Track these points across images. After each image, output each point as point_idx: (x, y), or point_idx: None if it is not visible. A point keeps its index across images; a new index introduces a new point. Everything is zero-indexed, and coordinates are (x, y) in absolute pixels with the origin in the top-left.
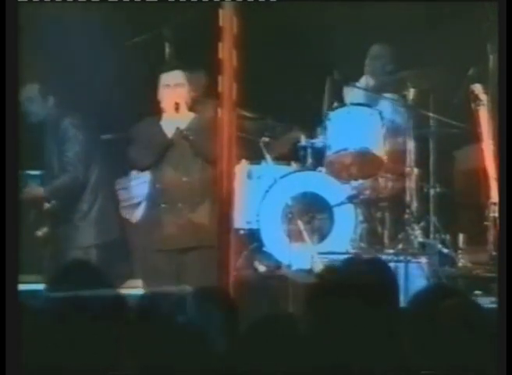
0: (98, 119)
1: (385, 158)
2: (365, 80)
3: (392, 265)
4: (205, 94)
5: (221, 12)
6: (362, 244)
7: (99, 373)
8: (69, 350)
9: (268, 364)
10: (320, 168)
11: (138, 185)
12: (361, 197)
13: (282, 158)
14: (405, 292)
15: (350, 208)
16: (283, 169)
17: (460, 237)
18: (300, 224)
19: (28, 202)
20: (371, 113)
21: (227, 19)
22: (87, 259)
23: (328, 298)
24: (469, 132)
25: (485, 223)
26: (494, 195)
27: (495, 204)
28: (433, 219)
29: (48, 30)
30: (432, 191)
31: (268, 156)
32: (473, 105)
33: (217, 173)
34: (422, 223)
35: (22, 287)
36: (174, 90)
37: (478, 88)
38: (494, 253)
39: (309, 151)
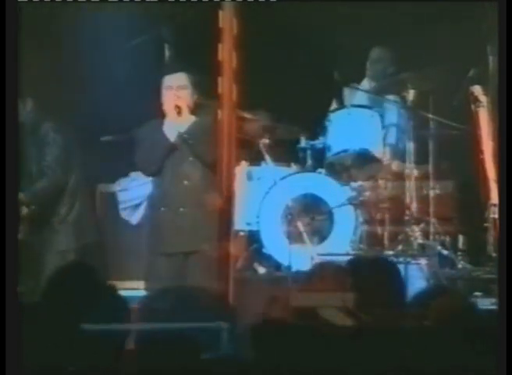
0: (80, 123)
1: (385, 159)
2: (366, 82)
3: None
4: (208, 97)
5: (221, 13)
6: (362, 246)
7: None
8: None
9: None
10: (320, 169)
11: (137, 187)
12: (361, 198)
13: (282, 160)
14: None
15: (349, 209)
16: (283, 170)
17: (460, 238)
18: (300, 226)
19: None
20: (371, 115)
21: (227, 20)
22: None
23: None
24: (469, 133)
25: (485, 224)
26: (494, 197)
27: (495, 205)
28: (433, 220)
29: (39, 30)
30: (431, 193)
31: (268, 158)
32: (473, 107)
33: (217, 174)
34: (422, 225)
35: None
36: (177, 92)
37: (477, 90)
38: (494, 254)
39: (309, 152)
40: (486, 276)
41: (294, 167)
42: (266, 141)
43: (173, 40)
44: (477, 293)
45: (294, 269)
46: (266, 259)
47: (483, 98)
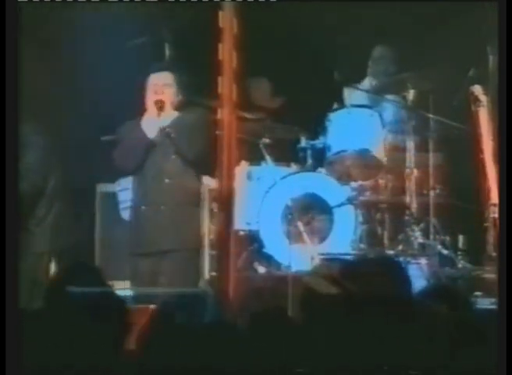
0: (62, 124)
1: (385, 159)
2: (367, 82)
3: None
4: (191, 97)
5: (221, 13)
6: (362, 246)
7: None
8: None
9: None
10: (320, 169)
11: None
12: (361, 198)
13: (282, 160)
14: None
15: (349, 209)
16: (283, 170)
17: (460, 238)
18: (300, 225)
19: None
20: (371, 114)
21: (227, 19)
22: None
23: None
24: (469, 133)
25: (485, 224)
26: (494, 196)
27: (495, 205)
28: (433, 220)
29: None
30: (431, 193)
31: (268, 157)
32: (473, 107)
33: (217, 174)
34: (422, 225)
35: None
36: (161, 90)
37: (477, 89)
38: (494, 254)
39: (309, 152)
40: (486, 276)
41: (294, 167)
42: (266, 140)
43: (173, 40)
44: (477, 293)
45: (294, 268)
46: (266, 259)
47: (483, 98)
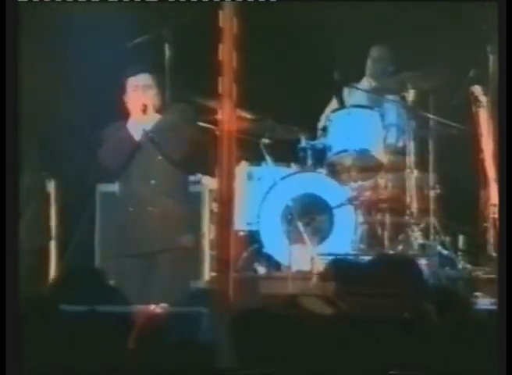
0: (62, 124)
1: (385, 159)
2: (366, 82)
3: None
4: (171, 97)
5: (221, 12)
6: (362, 246)
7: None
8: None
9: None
10: (320, 169)
11: None
12: (361, 198)
13: (283, 160)
14: None
15: (350, 209)
16: (283, 170)
17: (460, 238)
18: (300, 226)
19: None
20: (371, 115)
21: (227, 19)
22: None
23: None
24: (469, 133)
25: (485, 224)
26: (494, 196)
27: (495, 205)
28: (433, 220)
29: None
30: (432, 193)
31: (268, 158)
32: (473, 107)
33: (217, 174)
34: (422, 225)
35: None
36: (143, 92)
37: (477, 90)
38: (494, 254)
39: (309, 152)
40: (486, 276)
41: (294, 167)
42: (266, 140)
43: (173, 40)
44: (477, 293)
45: (294, 269)
46: (266, 259)
47: (483, 98)
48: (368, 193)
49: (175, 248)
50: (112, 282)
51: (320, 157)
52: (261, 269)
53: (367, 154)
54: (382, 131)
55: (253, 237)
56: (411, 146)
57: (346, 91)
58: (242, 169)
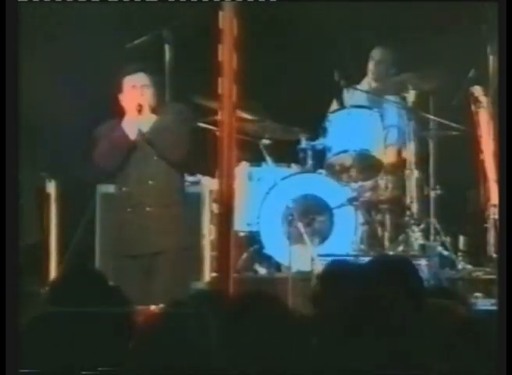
0: (61, 124)
1: (385, 160)
2: (366, 82)
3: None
4: (168, 97)
5: (221, 13)
6: (362, 247)
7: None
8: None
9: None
10: (320, 170)
11: None
12: (361, 199)
13: (283, 161)
14: None
15: (350, 210)
16: (284, 171)
17: (460, 239)
18: (301, 226)
19: None
20: (372, 115)
21: (227, 20)
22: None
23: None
24: (469, 134)
25: (485, 225)
26: (494, 197)
27: (495, 206)
28: (433, 221)
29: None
30: (432, 193)
31: (268, 158)
32: (473, 107)
33: (217, 175)
34: (422, 226)
35: None
36: (139, 91)
37: (477, 90)
38: (494, 255)
39: (309, 153)
40: (486, 277)
41: (294, 168)
42: (266, 141)
43: (173, 40)
44: (477, 294)
45: (295, 269)
46: (266, 260)
47: (483, 99)
48: (368, 193)
49: (174, 248)
50: (111, 282)
51: (320, 157)
52: (262, 270)
53: (367, 154)
54: (382, 132)
55: (253, 238)
56: (411, 147)
57: (346, 92)
58: (242, 169)
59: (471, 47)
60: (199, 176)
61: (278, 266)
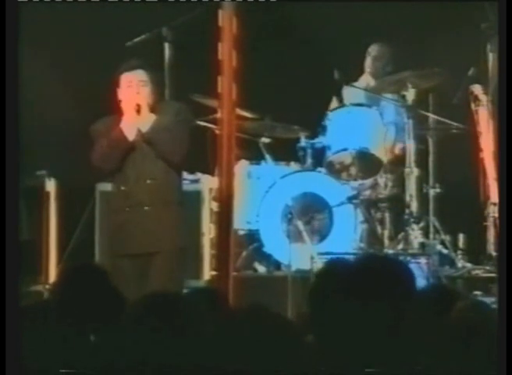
0: (62, 124)
1: (384, 158)
2: (365, 80)
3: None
4: (168, 96)
5: (221, 12)
6: (362, 245)
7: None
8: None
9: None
10: (320, 168)
11: None
12: (361, 197)
13: (282, 159)
14: None
15: (349, 208)
16: (283, 169)
17: (460, 237)
18: (300, 224)
19: None
20: (371, 113)
21: (227, 19)
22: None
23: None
24: (469, 132)
25: (485, 223)
26: (494, 196)
27: (494, 204)
28: (433, 219)
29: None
30: (431, 192)
31: (267, 156)
32: (472, 106)
33: (217, 173)
34: (422, 224)
35: None
36: (136, 89)
37: (477, 89)
38: (494, 253)
39: (309, 151)
40: (486, 275)
41: (294, 166)
42: (266, 139)
43: (173, 39)
44: (477, 292)
45: (294, 268)
46: (266, 258)
47: (483, 97)
48: (367, 192)
49: (170, 248)
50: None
51: (320, 156)
52: (261, 268)
53: (366, 153)
54: (381, 130)
55: (252, 236)
56: (411, 145)
57: (345, 90)
58: (242, 168)
59: (470, 45)
60: (199, 175)
61: (277, 265)
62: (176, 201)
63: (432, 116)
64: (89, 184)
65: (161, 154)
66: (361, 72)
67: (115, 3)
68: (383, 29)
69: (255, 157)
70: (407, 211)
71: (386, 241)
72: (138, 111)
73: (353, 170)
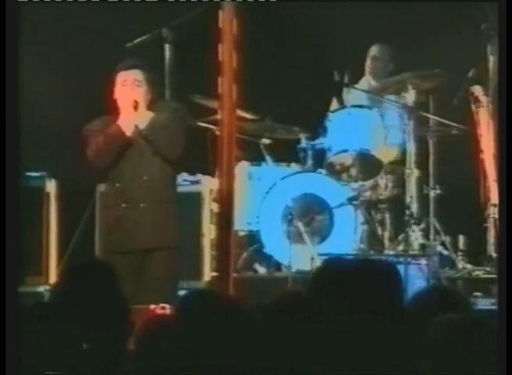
0: (61, 124)
1: (385, 159)
2: (366, 82)
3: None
4: (162, 94)
5: (221, 13)
6: (362, 246)
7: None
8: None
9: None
10: (320, 169)
11: None
12: (361, 198)
13: (283, 160)
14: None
15: (350, 209)
16: (283, 170)
17: (460, 238)
18: (300, 226)
19: None
20: (372, 115)
21: (227, 20)
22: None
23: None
24: (469, 133)
25: (485, 224)
26: (494, 197)
27: (495, 205)
28: (433, 220)
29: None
30: (432, 193)
31: (268, 158)
32: (473, 107)
33: (217, 174)
34: (422, 225)
35: None
36: (131, 87)
37: (477, 90)
38: (494, 255)
39: (309, 152)
40: (486, 277)
41: (294, 167)
42: (266, 141)
43: (173, 40)
44: (477, 293)
45: (294, 269)
46: (266, 259)
47: (483, 98)
48: (368, 193)
49: (168, 245)
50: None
51: (320, 157)
52: (261, 269)
53: (367, 154)
54: (382, 131)
55: (253, 237)
56: (411, 146)
57: (346, 91)
58: (242, 169)
59: (471, 46)
60: (199, 176)
61: (278, 266)
62: (172, 199)
63: (432, 117)
64: (89, 185)
65: (158, 151)
66: (362, 73)
67: (115, 3)
68: (384, 30)
69: (256, 158)
70: (407, 212)
71: (387, 242)
72: (136, 107)
73: (353, 171)
